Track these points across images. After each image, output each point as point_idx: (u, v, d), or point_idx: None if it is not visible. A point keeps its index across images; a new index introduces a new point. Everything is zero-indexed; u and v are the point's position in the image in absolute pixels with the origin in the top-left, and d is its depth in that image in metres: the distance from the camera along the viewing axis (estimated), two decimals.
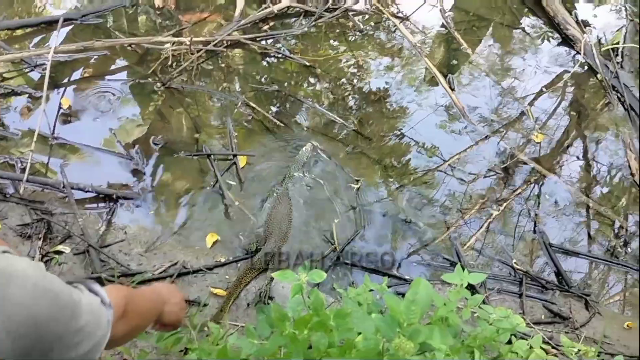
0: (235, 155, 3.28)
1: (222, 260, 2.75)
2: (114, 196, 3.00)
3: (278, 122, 3.49)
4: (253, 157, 3.31)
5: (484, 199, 3.24)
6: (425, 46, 4.21)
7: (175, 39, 3.77)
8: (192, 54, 3.71)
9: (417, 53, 4.08)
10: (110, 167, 3.23)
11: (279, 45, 4.08)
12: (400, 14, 4.46)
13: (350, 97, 3.81)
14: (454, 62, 4.13)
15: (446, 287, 2.67)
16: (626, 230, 3.18)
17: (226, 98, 3.65)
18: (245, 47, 3.98)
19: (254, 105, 3.56)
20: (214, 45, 3.84)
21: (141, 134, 3.42)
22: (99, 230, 2.83)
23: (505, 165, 3.42)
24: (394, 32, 4.30)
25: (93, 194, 2.99)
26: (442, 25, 4.41)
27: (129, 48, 3.87)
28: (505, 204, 3.22)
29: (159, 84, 3.64)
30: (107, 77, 3.76)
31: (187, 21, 4.15)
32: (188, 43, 3.68)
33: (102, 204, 3.00)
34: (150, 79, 3.70)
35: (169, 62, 3.74)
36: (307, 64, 3.90)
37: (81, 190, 2.98)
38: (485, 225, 3.11)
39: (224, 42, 3.91)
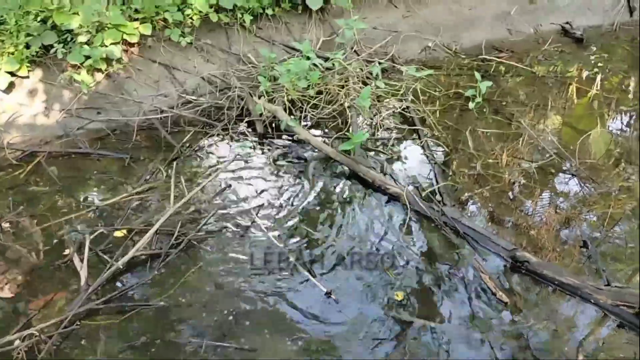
0: None
1: None
2: None
3: None
4: None
5: None
6: (279, 239, 4.42)
7: (24, 333, 3.57)
8: (45, 342, 3.53)
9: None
10: None
11: (133, 296, 4.03)
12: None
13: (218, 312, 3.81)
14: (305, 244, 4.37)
15: None
16: None
17: None
18: (100, 311, 3.87)
19: None
20: (68, 323, 3.69)
21: None
22: None
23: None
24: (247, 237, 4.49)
25: None
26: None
27: None
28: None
29: None
30: None
31: (34, 308, 3.98)
32: (37, 333, 3.51)
33: None
34: None
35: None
36: (164, 304, 3.90)
37: None
38: None
39: (77, 316, 3.78)
